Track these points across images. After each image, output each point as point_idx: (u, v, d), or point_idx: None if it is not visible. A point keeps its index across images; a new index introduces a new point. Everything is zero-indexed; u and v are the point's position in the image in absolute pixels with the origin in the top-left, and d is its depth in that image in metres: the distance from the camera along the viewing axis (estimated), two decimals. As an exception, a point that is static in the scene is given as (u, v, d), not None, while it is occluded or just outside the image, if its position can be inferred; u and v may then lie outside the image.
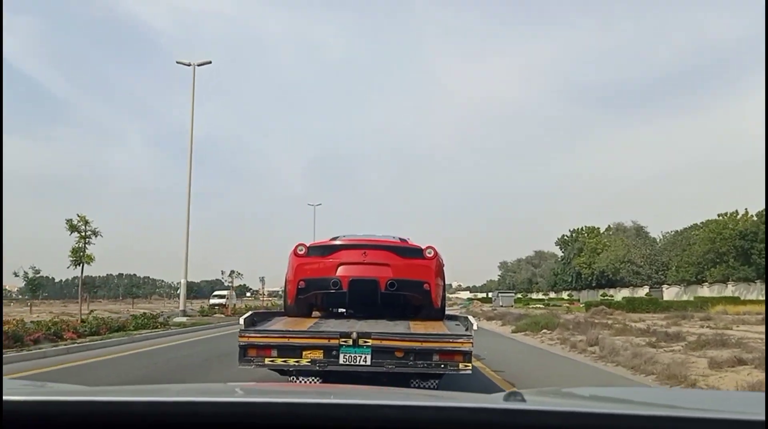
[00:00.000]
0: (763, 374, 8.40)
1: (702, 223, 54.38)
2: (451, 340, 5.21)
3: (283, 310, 7.07)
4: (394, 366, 5.07)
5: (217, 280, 45.86)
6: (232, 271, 39.47)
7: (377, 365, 5.07)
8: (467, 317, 6.31)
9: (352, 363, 5.08)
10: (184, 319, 26.36)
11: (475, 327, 5.68)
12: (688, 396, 2.79)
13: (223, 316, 33.73)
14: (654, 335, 15.78)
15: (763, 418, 1.11)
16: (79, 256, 17.93)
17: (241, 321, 5.48)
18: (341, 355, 5.08)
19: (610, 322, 23.27)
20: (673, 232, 62.05)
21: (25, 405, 1.25)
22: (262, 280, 49.92)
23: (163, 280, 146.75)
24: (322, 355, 5.12)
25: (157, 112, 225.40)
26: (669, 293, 54.66)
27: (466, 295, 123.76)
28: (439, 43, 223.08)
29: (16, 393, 1.34)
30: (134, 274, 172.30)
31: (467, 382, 6.18)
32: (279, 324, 5.97)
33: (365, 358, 5.07)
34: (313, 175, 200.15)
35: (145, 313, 20.34)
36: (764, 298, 34.56)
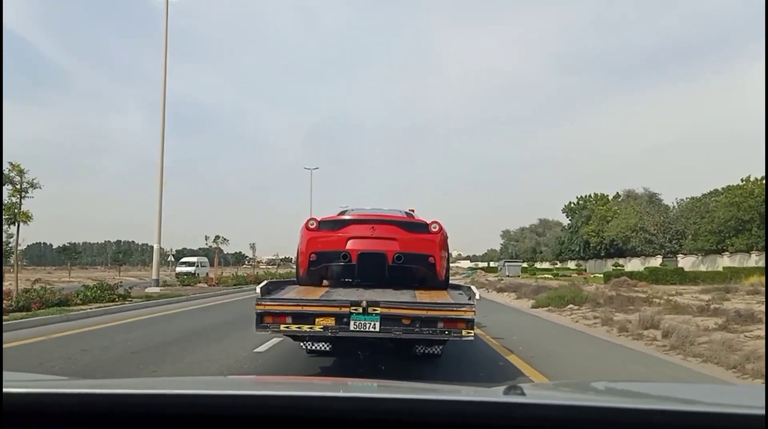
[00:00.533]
0: None
1: (723, 188, 50.89)
2: (454, 309, 5.37)
3: (294, 279, 7.16)
4: (401, 332, 5.28)
5: (210, 247, 42.72)
6: (217, 237, 36.23)
7: (385, 331, 5.27)
8: (470, 287, 6.29)
9: (362, 329, 5.28)
10: (157, 290, 23.40)
11: (477, 297, 5.73)
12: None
13: (206, 286, 30.71)
14: (718, 314, 12.74)
15: (763, 412, 1.08)
16: (14, 214, 14.67)
17: (258, 290, 5.56)
18: (352, 322, 5.28)
19: (642, 295, 20.26)
20: (688, 199, 58.67)
21: (25, 397, 1.25)
22: (252, 246, 46.84)
23: (161, 248, 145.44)
24: (333, 322, 5.31)
25: (156, 81, 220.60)
26: (685, 263, 51.52)
27: (466, 264, 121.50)
28: (439, 11, 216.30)
29: (16, 385, 1.33)
30: (132, 241, 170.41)
31: None
32: (292, 292, 6.11)
33: (374, 325, 5.27)
34: (313, 144, 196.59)
35: (101, 284, 17.20)
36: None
